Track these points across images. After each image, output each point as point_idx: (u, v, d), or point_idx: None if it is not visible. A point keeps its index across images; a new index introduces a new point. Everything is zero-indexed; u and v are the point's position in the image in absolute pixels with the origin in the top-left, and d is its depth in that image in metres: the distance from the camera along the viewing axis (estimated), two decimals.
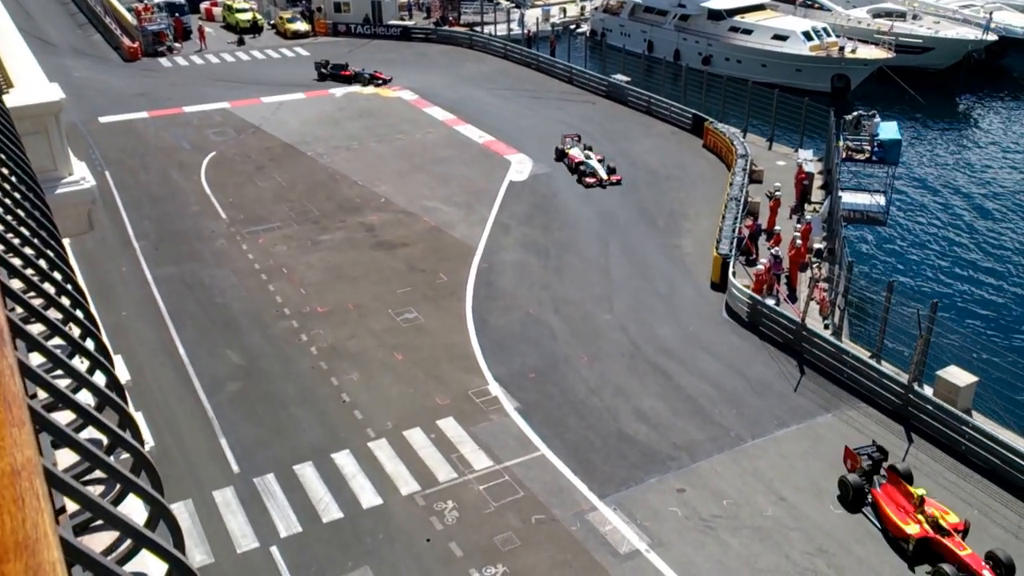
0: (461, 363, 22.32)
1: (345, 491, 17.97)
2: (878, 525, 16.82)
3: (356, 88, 46.39)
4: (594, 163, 33.78)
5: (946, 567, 15.00)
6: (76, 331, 4.76)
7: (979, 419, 19.00)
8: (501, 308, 24.96)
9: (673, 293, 25.91)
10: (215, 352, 22.85)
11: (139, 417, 8.03)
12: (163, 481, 3.74)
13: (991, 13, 53.96)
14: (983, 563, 15.23)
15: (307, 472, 18.51)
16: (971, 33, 52.24)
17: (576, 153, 34.80)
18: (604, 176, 33.18)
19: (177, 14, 57.99)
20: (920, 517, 16.06)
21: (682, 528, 16.96)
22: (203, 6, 63.32)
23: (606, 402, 20.75)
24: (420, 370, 22.01)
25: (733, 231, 26.75)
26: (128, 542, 3.28)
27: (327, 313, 24.68)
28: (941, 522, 15.96)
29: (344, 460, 18.84)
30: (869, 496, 17.21)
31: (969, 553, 15.35)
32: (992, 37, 51.48)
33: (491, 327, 23.94)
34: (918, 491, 16.46)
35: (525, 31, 57.93)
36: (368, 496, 17.82)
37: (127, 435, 3.65)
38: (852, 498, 17.24)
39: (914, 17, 55.93)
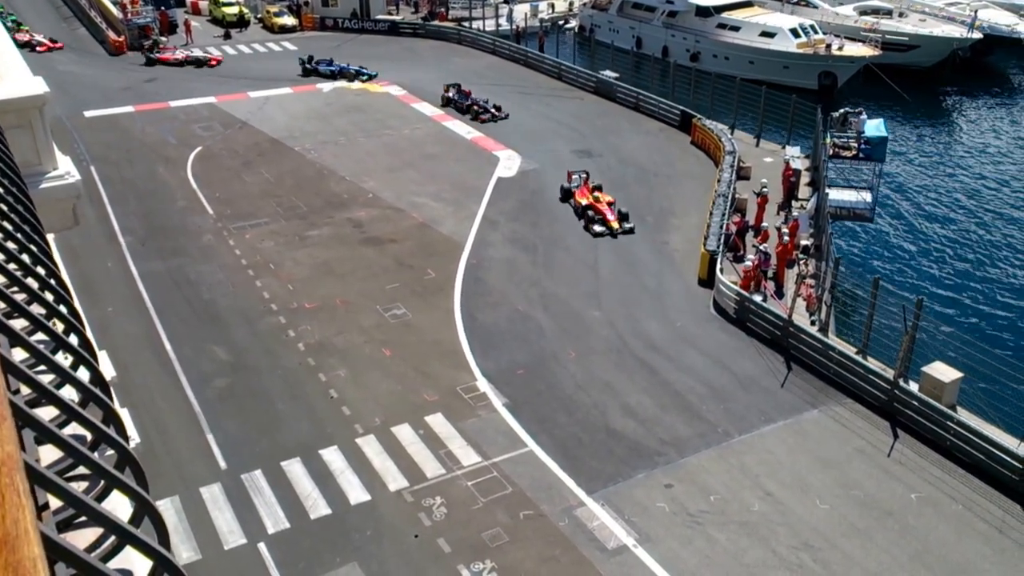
0: (449, 359, 22.30)
1: (333, 487, 17.94)
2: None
3: (344, 83, 46.23)
4: (603, 208, 29.42)
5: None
6: (60, 327, 4.72)
7: (964, 415, 19.14)
8: (489, 304, 24.95)
9: (661, 289, 25.97)
10: (202, 348, 22.74)
11: (125, 413, 7.98)
12: (150, 478, 3.71)
13: (976, 11, 54.29)
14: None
15: (295, 468, 18.46)
16: (957, 31, 52.55)
17: (582, 194, 30.63)
18: (616, 225, 28.96)
19: (163, 7, 57.62)
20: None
21: (669, 523, 17.02)
22: (189, 0, 62.98)
23: (594, 398, 20.78)
24: (408, 366, 21.98)
25: (721, 228, 26.83)
26: (112, 539, 3.25)
27: (315, 309, 24.61)
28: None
29: (332, 456, 18.80)
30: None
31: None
32: (977, 35, 51.80)
33: (479, 323, 23.93)
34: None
35: (514, 27, 57.87)
36: (356, 492, 17.80)
37: (111, 431, 3.62)
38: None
39: (900, 15, 56.23)
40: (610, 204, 29.78)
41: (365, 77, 46.15)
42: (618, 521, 17.04)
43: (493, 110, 39.73)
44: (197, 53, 50.92)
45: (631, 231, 29.04)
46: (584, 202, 30.01)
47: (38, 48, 51.50)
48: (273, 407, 20.47)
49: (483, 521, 17.02)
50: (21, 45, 49.96)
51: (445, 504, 17.45)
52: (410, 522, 17.03)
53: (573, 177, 31.57)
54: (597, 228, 28.94)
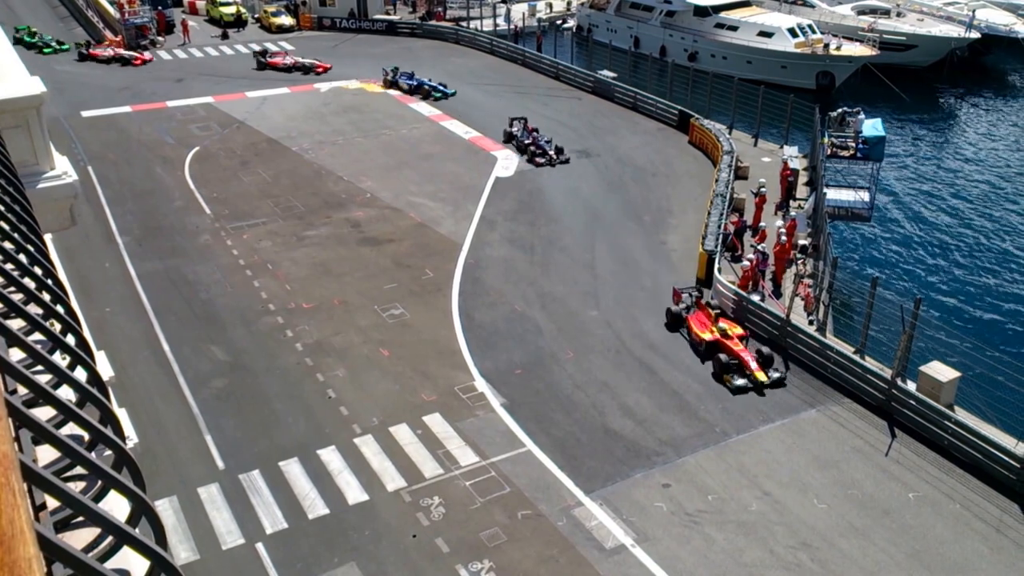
0: (447, 359, 22.30)
1: (331, 487, 17.93)
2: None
3: (342, 83, 46.20)
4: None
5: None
6: (57, 327, 4.72)
7: (961, 414, 19.17)
8: (487, 304, 24.95)
9: (659, 289, 25.96)
10: (200, 348, 22.72)
11: (123, 414, 7.98)
12: (148, 478, 3.71)
13: (974, 11, 54.35)
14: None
15: (293, 468, 18.45)
16: (954, 31, 52.61)
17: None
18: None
19: (160, 7, 57.56)
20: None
21: (667, 523, 17.03)
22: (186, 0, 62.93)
23: (592, 398, 20.79)
24: (406, 366, 21.97)
25: (719, 227, 26.84)
26: (110, 539, 3.25)
27: (312, 309, 24.59)
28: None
29: (330, 456, 18.79)
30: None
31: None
32: (975, 35, 51.87)
33: (477, 323, 23.93)
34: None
35: (511, 26, 57.86)
36: (354, 492, 17.79)
37: (108, 431, 3.62)
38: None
39: (898, 14, 56.29)
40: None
41: (439, 95, 43.18)
42: (616, 521, 17.04)
43: (553, 153, 34.83)
44: (305, 61, 48.83)
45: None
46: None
47: (134, 62, 49.73)
48: (271, 407, 20.45)
49: (481, 521, 17.01)
50: (108, 60, 49.60)
51: (443, 504, 17.45)
52: (408, 522, 17.02)
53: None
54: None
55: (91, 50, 50.67)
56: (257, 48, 51.14)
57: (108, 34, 53.85)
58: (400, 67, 45.40)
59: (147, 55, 50.66)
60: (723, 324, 22.11)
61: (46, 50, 51.63)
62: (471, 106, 42.18)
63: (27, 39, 52.55)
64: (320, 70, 47.87)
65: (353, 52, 51.05)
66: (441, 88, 43.70)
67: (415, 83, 44.16)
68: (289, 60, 48.75)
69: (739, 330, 22.10)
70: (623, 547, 16.44)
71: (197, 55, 52.85)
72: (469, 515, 17.17)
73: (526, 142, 35.86)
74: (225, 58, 52.00)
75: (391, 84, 44.81)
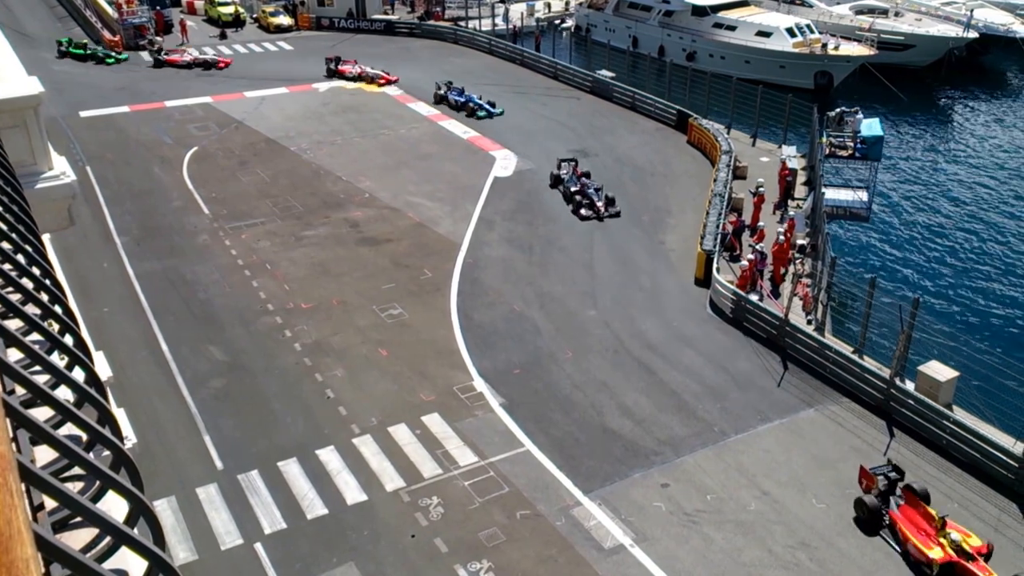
0: (446, 359, 22.29)
1: (330, 487, 17.92)
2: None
3: (340, 83, 46.20)
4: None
5: (580, 201, 14.94)
6: (55, 327, 4.71)
7: (960, 413, 19.19)
8: (486, 304, 24.95)
9: (657, 289, 25.98)
10: (198, 348, 22.71)
11: (121, 414, 7.97)
12: (146, 478, 3.71)
13: (972, 10, 54.38)
14: (599, 197, 15.21)
15: (291, 468, 18.44)
16: (952, 30, 52.64)
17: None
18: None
19: (158, 7, 57.52)
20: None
21: (666, 523, 17.03)
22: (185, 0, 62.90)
23: (590, 397, 20.79)
24: (405, 366, 21.97)
25: (717, 227, 26.85)
26: (108, 539, 3.25)
27: (311, 309, 24.59)
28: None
29: (328, 456, 18.78)
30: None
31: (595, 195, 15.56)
32: (973, 34, 51.90)
33: (476, 323, 23.93)
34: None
35: (510, 26, 57.87)
36: (353, 492, 17.78)
37: (106, 431, 3.61)
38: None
39: (896, 14, 56.31)
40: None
41: (484, 114, 40.02)
42: (615, 520, 17.04)
43: (602, 204, 30.28)
44: (207, 55, 49.95)
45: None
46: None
47: (218, 65, 48.73)
48: (270, 407, 20.44)
49: (480, 521, 17.01)
50: (188, 65, 48.29)
51: (442, 504, 17.44)
52: (407, 522, 17.02)
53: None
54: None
55: (168, 56, 49.39)
56: (328, 56, 48.24)
57: (106, 34, 53.78)
58: (453, 82, 42.58)
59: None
60: (951, 530, 15.72)
61: (109, 60, 49.92)
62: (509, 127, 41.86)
63: (76, 51, 50.58)
64: (383, 82, 45.89)
65: (351, 52, 50.99)
66: (488, 107, 40.19)
67: (462, 99, 40.88)
68: (357, 69, 46.79)
69: (976, 540, 15.70)
70: (622, 547, 16.44)
71: (195, 55, 52.73)
72: (468, 515, 17.17)
73: (572, 189, 31.02)
74: (222, 58, 51.92)
75: (441, 99, 41.94)
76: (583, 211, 30.07)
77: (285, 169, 34.69)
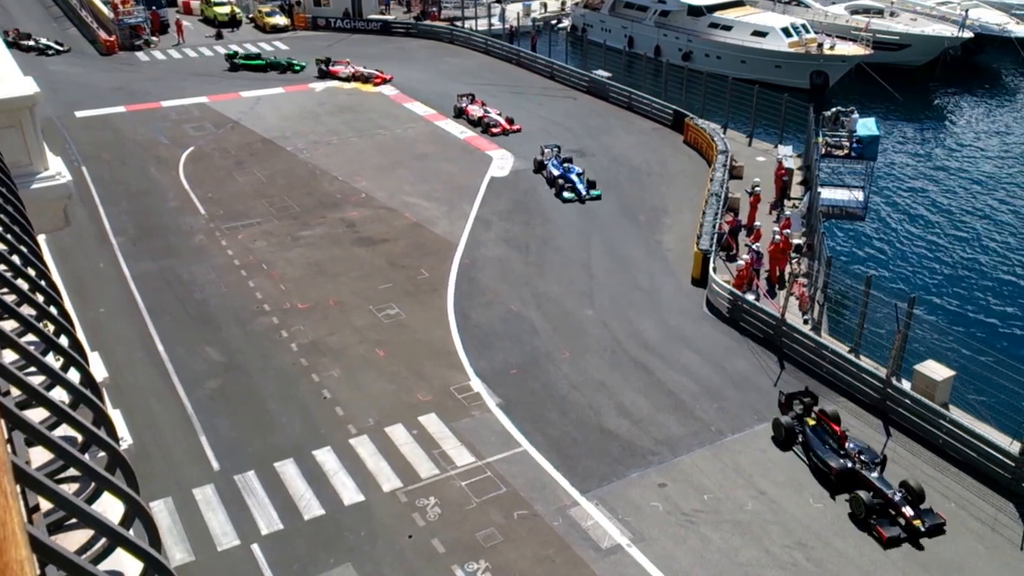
0: (443, 359, 22.28)
1: (327, 488, 17.90)
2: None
3: (336, 83, 46.16)
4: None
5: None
6: (50, 328, 4.70)
7: (956, 413, 19.21)
8: (483, 304, 24.94)
9: (654, 289, 25.99)
10: (194, 349, 22.67)
11: (117, 415, 7.95)
12: (142, 479, 3.69)
13: (967, 10, 54.51)
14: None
15: (288, 469, 18.42)
16: (947, 30, 52.74)
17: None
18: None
19: (154, 7, 57.43)
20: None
21: (663, 523, 17.04)
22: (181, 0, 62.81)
23: (587, 397, 20.79)
24: (402, 366, 21.95)
25: (714, 227, 26.87)
26: (103, 541, 3.24)
27: (308, 309, 24.56)
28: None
29: (325, 457, 18.76)
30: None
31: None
32: (968, 34, 52.00)
33: (473, 323, 23.92)
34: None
35: (506, 26, 57.87)
36: (350, 493, 17.76)
37: (102, 433, 3.60)
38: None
39: (891, 14, 56.43)
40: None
41: (572, 196, 31.44)
42: (612, 520, 17.04)
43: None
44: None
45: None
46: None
47: (374, 80, 45.34)
48: (266, 408, 20.42)
49: (477, 521, 17.00)
50: (347, 78, 44.74)
51: (439, 504, 17.43)
52: (404, 522, 17.01)
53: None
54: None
55: (331, 67, 46.47)
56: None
57: (102, 34, 53.69)
58: (561, 147, 34.50)
59: (387, 74, 45.89)
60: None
61: (296, 68, 47.55)
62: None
63: (244, 61, 48.24)
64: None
65: (348, 52, 50.95)
66: (584, 189, 31.75)
67: (558, 172, 32.57)
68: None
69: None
70: (619, 547, 16.44)
71: (191, 55, 52.71)
72: (465, 515, 17.16)
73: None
74: (219, 58, 51.85)
75: (539, 167, 33.77)
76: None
77: (281, 169, 34.65)
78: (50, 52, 51.26)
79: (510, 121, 38.43)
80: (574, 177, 31.88)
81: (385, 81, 45.49)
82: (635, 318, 24.25)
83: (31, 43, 51.61)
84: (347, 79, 45.76)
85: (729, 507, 17.45)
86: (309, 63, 47.89)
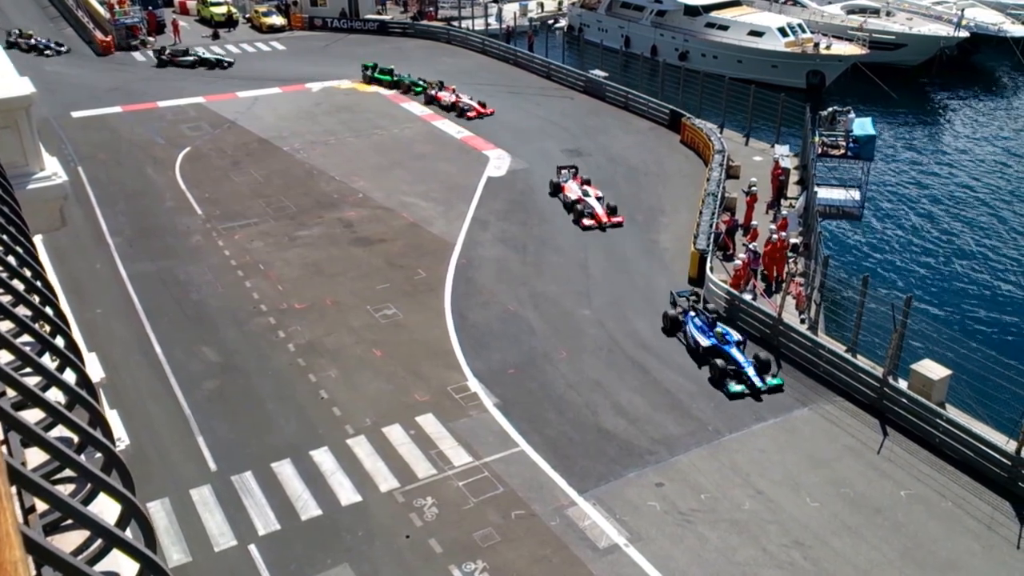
0: (440, 359, 22.27)
1: (324, 488, 17.89)
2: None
3: (333, 83, 46.13)
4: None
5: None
6: (46, 328, 4.69)
7: (953, 412, 19.23)
8: (480, 304, 24.93)
9: (651, 288, 25.99)
10: (191, 349, 22.64)
11: (114, 415, 7.94)
12: (139, 480, 3.69)
13: (963, 10, 54.61)
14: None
15: (285, 470, 18.40)
16: (943, 30, 52.84)
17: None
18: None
19: (150, 7, 57.37)
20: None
21: (661, 522, 17.05)
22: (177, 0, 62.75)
23: (585, 397, 20.80)
24: (399, 366, 21.94)
25: (710, 226, 26.88)
26: (99, 542, 3.23)
27: (305, 309, 24.54)
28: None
29: (322, 457, 18.75)
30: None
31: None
32: (964, 34, 52.11)
33: (470, 323, 23.91)
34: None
35: (503, 26, 57.87)
36: (347, 493, 17.75)
37: (98, 433, 3.60)
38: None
39: (887, 14, 56.52)
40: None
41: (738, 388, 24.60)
42: (609, 520, 17.05)
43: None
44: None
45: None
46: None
47: (468, 114, 40.09)
48: (263, 408, 20.40)
49: (474, 521, 17.00)
50: (447, 107, 40.56)
51: (436, 504, 17.42)
52: (401, 523, 17.00)
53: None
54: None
55: (438, 93, 42.04)
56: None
57: (98, 34, 53.61)
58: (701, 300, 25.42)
59: (488, 108, 40.48)
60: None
61: (417, 88, 43.92)
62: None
63: (382, 76, 45.68)
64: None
65: (345, 52, 50.96)
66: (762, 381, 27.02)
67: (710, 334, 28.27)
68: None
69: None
70: (616, 547, 16.45)
71: (457, 97, 51.43)
72: (462, 515, 17.16)
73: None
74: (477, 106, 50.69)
75: (674, 325, 24.20)
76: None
77: (278, 169, 34.62)
78: (48, 53, 51.07)
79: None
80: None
81: (482, 115, 39.95)
82: (632, 318, 24.26)
83: (31, 43, 51.40)
84: (447, 108, 40.99)
85: (726, 506, 17.47)
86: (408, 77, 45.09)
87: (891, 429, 19.69)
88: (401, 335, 23.32)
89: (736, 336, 22.14)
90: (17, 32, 52.51)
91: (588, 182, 31.57)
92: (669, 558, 16.18)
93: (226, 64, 49.17)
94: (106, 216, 30.39)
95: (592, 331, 23.58)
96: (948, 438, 18.74)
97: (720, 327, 22.21)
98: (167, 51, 49.75)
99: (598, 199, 30.18)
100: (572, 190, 30.84)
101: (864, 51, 48.89)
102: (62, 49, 51.72)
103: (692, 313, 22.99)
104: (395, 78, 45.61)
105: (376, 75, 46.24)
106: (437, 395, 20.79)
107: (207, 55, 49.77)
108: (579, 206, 30.01)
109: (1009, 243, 33.16)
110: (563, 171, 32.22)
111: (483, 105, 40.40)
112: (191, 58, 49.34)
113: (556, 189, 31.68)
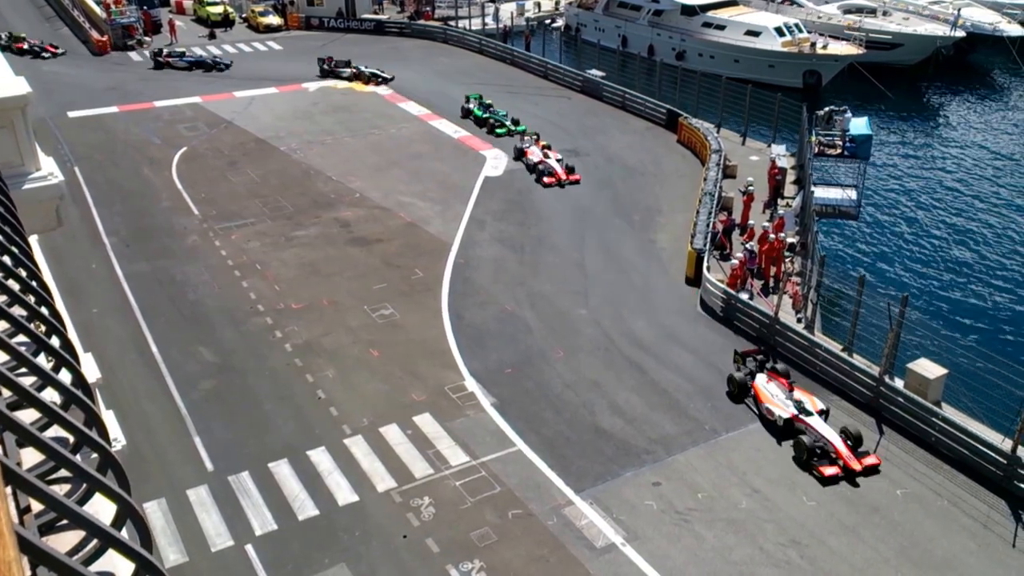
0: (437, 359, 22.27)
1: (321, 488, 17.88)
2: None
3: (331, 83, 46.11)
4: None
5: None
6: (42, 329, 4.69)
7: (949, 411, 19.26)
8: (477, 304, 24.93)
9: (648, 288, 26.01)
10: (188, 349, 22.62)
11: (110, 416, 7.93)
12: (135, 480, 3.69)
13: (959, 9, 54.68)
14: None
15: (282, 470, 18.39)
16: (940, 29, 52.93)
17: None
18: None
19: (146, 7, 57.30)
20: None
21: (658, 521, 17.06)
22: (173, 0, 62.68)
23: (582, 397, 20.80)
24: (396, 366, 21.94)
25: (707, 226, 26.91)
26: (95, 542, 3.23)
27: (302, 309, 24.52)
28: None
29: (320, 457, 18.74)
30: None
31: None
32: (960, 33, 52.20)
33: (467, 323, 23.91)
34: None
35: (500, 26, 57.87)
36: (344, 493, 17.75)
37: (93, 433, 3.60)
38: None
39: (884, 13, 56.61)
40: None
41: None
42: (606, 519, 17.06)
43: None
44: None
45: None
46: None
47: (545, 178, 32.73)
48: (260, 408, 20.38)
49: (472, 521, 17.01)
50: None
51: (433, 504, 17.42)
52: (398, 522, 17.00)
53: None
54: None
55: (527, 148, 33.73)
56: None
57: (94, 34, 53.51)
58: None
59: (575, 175, 32.61)
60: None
61: (499, 132, 37.46)
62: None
63: (481, 114, 39.16)
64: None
65: (342, 52, 50.89)
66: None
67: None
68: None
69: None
70: (613, 546, 16.46)
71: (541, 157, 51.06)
72: (459, 515, 17.16)
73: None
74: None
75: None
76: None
77: (275, 169, 34.59)
78: (45, 56, 50.85)
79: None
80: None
81: (562, 183, 32.67)
82: (629, 317, 24.28)
83: (24, 48, 50.96)
84: (532, 168, 33.95)
85: (723, 505, 17.49)
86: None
87: (887, 428, 19.72)
88: (398, 335, 23.32)
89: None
90: (8, 35, 52.03)
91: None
92: (666, 557, 16.19)
93: (223, 67, 49.01)
94: (102, 216, 30.34)
95: (589, 331, 23.59)
96: (944, 437, 18.77)
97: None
98: (164, 53, 49.55)
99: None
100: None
101: (860, 51, 48.95)
102: (58, 52, 51.51)
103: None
104: (501, 124, 38.12)
105: (476, 111, 39.49)
106: (434, 395, 20.79)
107: (204, 58, 49.57)
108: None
109: (1005, 242, 33.22)
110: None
111: (570, 171, 32.89)
112: (188, 60, 49.12)
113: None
